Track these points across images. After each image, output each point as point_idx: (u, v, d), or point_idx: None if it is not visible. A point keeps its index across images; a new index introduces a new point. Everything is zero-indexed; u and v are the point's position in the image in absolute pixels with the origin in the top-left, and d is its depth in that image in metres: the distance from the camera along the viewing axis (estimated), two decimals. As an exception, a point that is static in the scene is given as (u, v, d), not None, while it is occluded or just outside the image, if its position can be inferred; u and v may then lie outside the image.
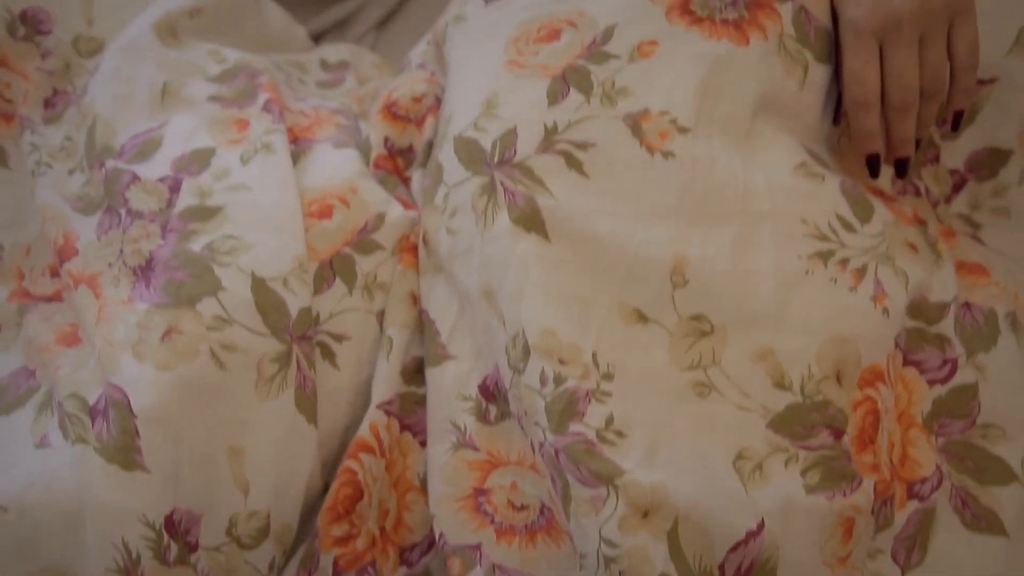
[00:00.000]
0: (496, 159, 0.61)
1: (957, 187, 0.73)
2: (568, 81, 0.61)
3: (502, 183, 0.60)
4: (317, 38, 1.03)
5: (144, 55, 0.73)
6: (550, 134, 0.60)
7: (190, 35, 0.78)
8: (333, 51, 0.89)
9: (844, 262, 0.60)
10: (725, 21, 0.63)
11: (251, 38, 0.84)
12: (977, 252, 0.69)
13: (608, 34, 0.62)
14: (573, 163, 0.59)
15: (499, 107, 0.62)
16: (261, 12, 0.86)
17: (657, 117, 0.60)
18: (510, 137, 0.61)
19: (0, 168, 0.73)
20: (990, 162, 0.72)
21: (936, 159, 0.73)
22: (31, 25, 0.77)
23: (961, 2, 0.63)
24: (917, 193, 0.73)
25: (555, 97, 0.61)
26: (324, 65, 0.88)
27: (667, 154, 0.59)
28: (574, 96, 0.61)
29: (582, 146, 0.60)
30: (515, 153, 0.60)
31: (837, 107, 0.68)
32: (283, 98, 0.75)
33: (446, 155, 0.64)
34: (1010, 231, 0.72)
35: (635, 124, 0.60)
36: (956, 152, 0.72)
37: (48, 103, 0.76)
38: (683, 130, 0.60)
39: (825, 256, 0.60)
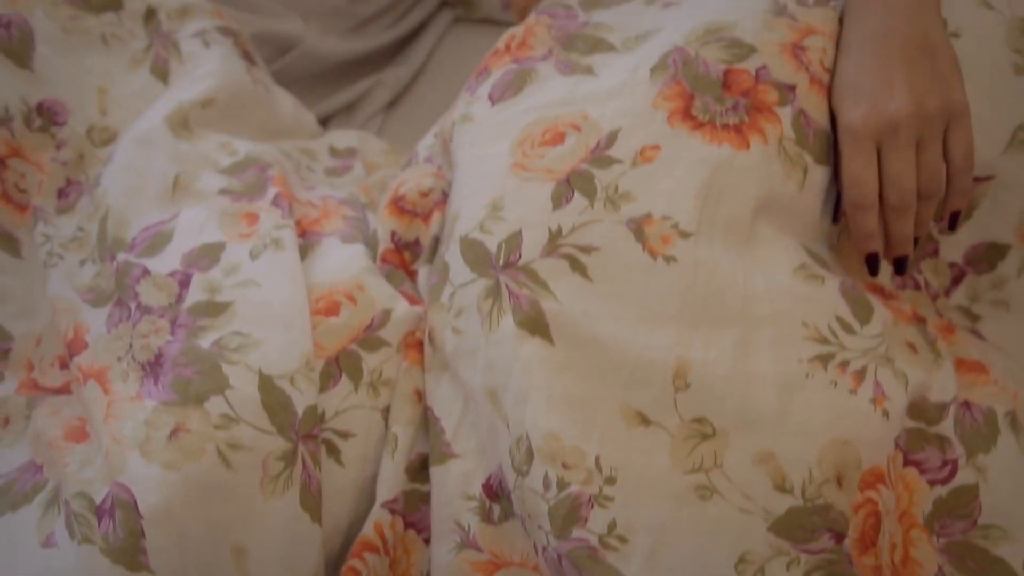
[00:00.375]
0: (501, 262, 0.62)
1: (956, 280, 0.74)
2: (572, 185, 0.63)
3: (507, 286, 0.61)
4: (326, 120, 1.05)
5: (156, 148, 0.75)
6: (554, 237, 0.61)
7: (202, 125, 0.79)
8: (341, 137, 0.91)
9: (844, 364, 0.61)
10: (726, 126, 0.64)
11: (262, 125, 0.86)
12: (976, 348, 0.70)
13: (612, 138, 0.64)
14: (577, 266, 0.60)
15: (505, 210, 0.63)
16: (272, 99, 0.87)
17: (659, 222, 0.61)
18: (515, 240, 0.62)
19: (13, 258, 0.74)
20: (988, 256, 0.73)
21: (935, 253, 0.74)
22: (47, 116, 0.78)
23: (956, 107, 0.65)
24: (916, 286, 0.74)
25: (559, 201, 0.62)
26: (333, 152, 0.89)
27: (669, 259, 0.60)
28: (578, 200, 0.62)
29: (586, 250, 0.61)
30: (520, 256, 0.61)
31: (836, 205, 0.69)
32: (292, 189, 0.76)
33: (452, 255, 0.65)
34: (1009, 324, 0.73)
35: (638, 228, 0.61)
36: (955, 246, 0.73)
37: (61, 193, 0.77)
38: (685, 235, 0.61)
39: (825, 359, 0.60)
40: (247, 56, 0.90)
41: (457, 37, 1.18)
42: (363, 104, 1.07)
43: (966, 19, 0.69)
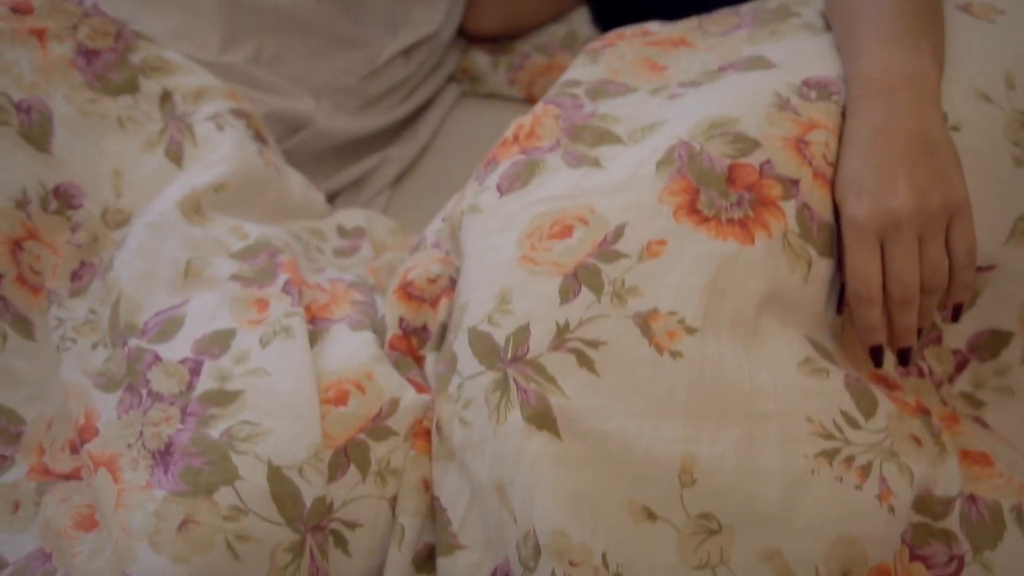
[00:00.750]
0: (509, 355, 0.63)
1: (960, 366, 0.75)
2: (580, 279, 0.63)
3: (515, 380, 0.61)
4: (334, 196, 1.07)
5: (169, 232, 0.76)
6: (562, 332, 0.62)
7: (214, 209, 0.80)
8: (350, 217, 0.92)
9: (849, 460, 0.61)
10: (731, 220, 0.65)
11: (273, 206, 0.87)
12: (981, 439, 0.70)
13: (618, 232, 0.65)
14: (584, 361, 0.61)
15: (513, 302, 0.64)
16: (282, 181, 0.89)
17: (666, 317, 0.62)
18: (523, 334, 0.62)
19: (27, 340, 0.75)
20: (992, 343, 0.73)
21: (939, 340, 0.74)
22: (63, 199, 0.80)
23: (957, 202, 0.66)
24: (920, 374, 0.74)
25: (567, 295, 0.63)
26: (341, 231, 0.91)
27: (675, 354, 0.61)
28: (585, 294, 0.63)
29: (593, 344, 0.61)
30: (528, 350, 0.62)
31: (840, 296, 0.70)
32: (302, 273, 0.77)
33: (460, 346, 0.66)
34: (1014, 410, 0.73)
35: (644, 324, 0.62)
36: (958, 333, 0.74)
37: (75, 276, 0.78)
38: (691, 330, 0.62)
39: (831, 455, 0.61)
40: (259, 137, 0.91)
41: (464, 111, 1.20)
42: (371, 180, 1.08)
43: (966, 113, 0.71)
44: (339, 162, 1.06)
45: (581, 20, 1.20)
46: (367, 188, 1.08)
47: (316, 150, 1.03)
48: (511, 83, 1.21)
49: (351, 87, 1.04)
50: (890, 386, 0.71)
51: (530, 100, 1.20)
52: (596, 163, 0.70)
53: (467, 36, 1.21)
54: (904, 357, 0.69)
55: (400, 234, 0.93)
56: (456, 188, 1.07)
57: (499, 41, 1.22)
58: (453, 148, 1.15)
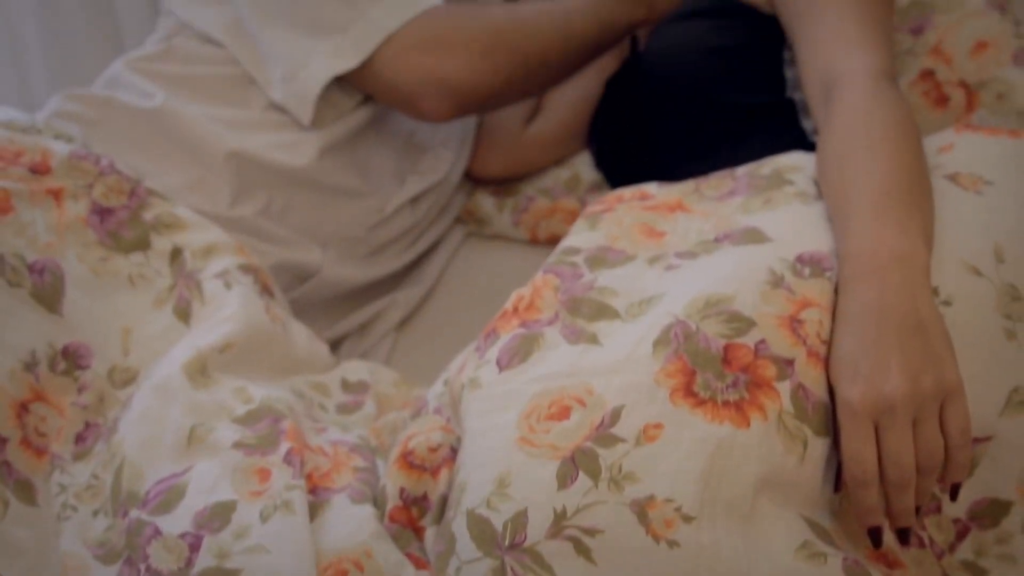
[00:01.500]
0: (507, 542, 0.63)
1: (960, 535, 0.74)
2: (577, 464, 0.64)
3: (512, 569, 0.62)
4: (340, 341, 1.08)
5: (173, 397, 0.77)
6: (559, 519, 0.62)
7: (219, 370, 0.82)
8: (353, 369, 0.93)
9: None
10: (727, 403, 0.66)
11: (278, 363, 0.88)
12: (982, 617, 0.69)
13: (616, 415, 0.66)
14: (581, 550, 0.61)
15: (511, 487, 0.64)
16: (288, 337, 0.90)
17: (663, 504, 0.62)
18: (521, 519, 0.63)
19: (27, 506, 0.75)
20: (992, 511, 0.73)
21: (938, 509, 0.74)
22: (72, 360, 0.81)
23: (950, 385, 0.67)
24: (921, 544, 0.74)
25: (564, 480, 0.64)
26: (345, 385, 0.92)
27: (672, 543, 0.61)
28: (583, 480, 0.63)
29: (590, 532, 0.62)
30: (525, 537, 0.62)
31: (838, 473, 0.70)
32: (305, 436, 0.78)
33: (459, 527, 0.66)
34: (1018, 579, 0.73)
35: (641, 511, 0.62)
36: (958, 502, 0.74)
37: (79, 438, 0.79)
38: (687, 519, 0.62)
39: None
40: (267, 290, 0.93)
41: (470, 252, 1.23)
42: (376, 324, 1.10)
43: (957, 287, 0.72)
44: (345, 308, 1.08)
45: (584, 164, 1.23)
46: (372, 333, 1.10)
47: (323, 298, 1.05)
48: (516, 225, 1.23)
49: (358, 236, 1.07)
50: (890, 564, 0.71)
51: (534, 241, 1.23)
52: (594, 339, 0.71)
53: (472, 178, 1.25)
54: (904, 536, 0.69)
55: (404, 386, 0.94)
56: (461, 331, 1.09)
57: (504, 183, 1.25)
58: (458, 290, 1.17)
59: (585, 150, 1.24)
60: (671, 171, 1.03)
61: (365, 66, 0.99)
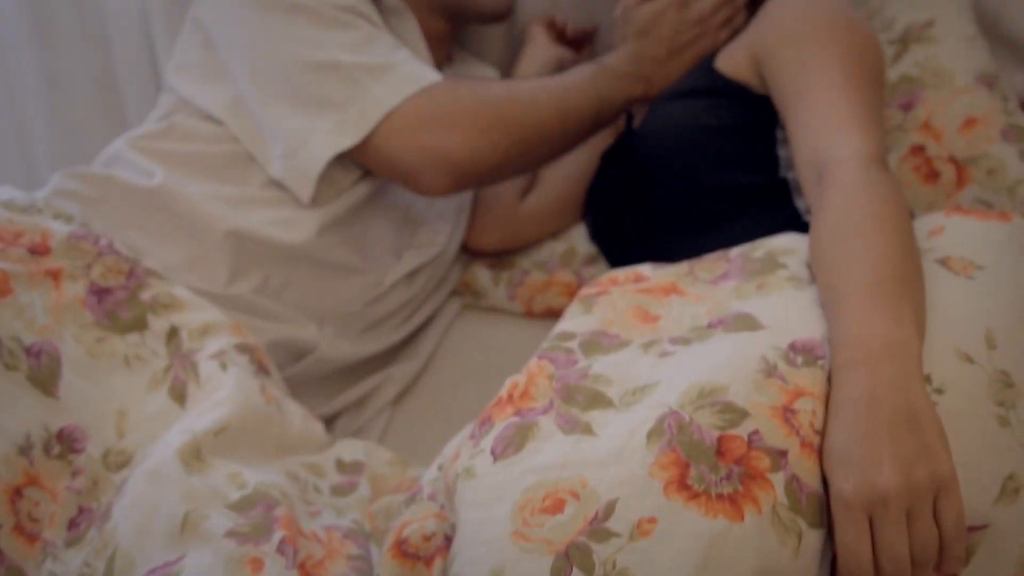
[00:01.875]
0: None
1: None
2: (571, 559, 0.64)
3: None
4: (335, 417, 1.08)
5: (167, 483, 0.77)
6: (554, 615, 0.62)
7: (214, 453, 0.82)
8: (349, 449, 0.93)
9: None
10: (720, 496, 0.66)
11: (273, 444, 0.88)
12: None
13: (609, 509, 0.66)
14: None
15: (505, 584, 0.64)
16: (283, 417, 0.90)
17: (658, 604, 0.62)
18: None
19: (19, 596, 0.75)
20: (993, 596, 0.73)
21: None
22: (66, 443, 0.81)
23: (944, 477, 0.67)
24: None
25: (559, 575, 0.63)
26: (340, 466, 0.91)
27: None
28: (577, 576, 0.63)
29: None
30: (519, 636, 0.62)
31: (833, 566, 0.70)
32: (299, 522, 0.78)
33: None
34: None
35: (637, 609, 0.62)
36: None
37: (72, 523, 0.79)
38: (683, 615, 0.62)
39: None
40: (263, 369, 0.93)
41: (465, 325, 1.23)
42: (372, 400, 1.10)
43: (949, 375, 0.73)
44: (341, 384, 1.08)
45: (580, 236, 1.24)
46: (368, 408, 1.09)
47: (319, 374, 1.05)
48: (511, 299, 1.24)
49: (355, 312, 1.07)
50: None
51: (529, 315, 1.23)
52: (588, 429, 0.71)
53: (469, 251, 1.25)
54: (901, 625, 0.69)
55: (399, 465, 0.94)
56: (457, 406, 1.09)
57: (500, 256, 1.26)
58: (454, 364, 1.17)
59: (581, 223, 1.25)
60: (666, 247, 1.04)
61: (365, 142, 0.99)
